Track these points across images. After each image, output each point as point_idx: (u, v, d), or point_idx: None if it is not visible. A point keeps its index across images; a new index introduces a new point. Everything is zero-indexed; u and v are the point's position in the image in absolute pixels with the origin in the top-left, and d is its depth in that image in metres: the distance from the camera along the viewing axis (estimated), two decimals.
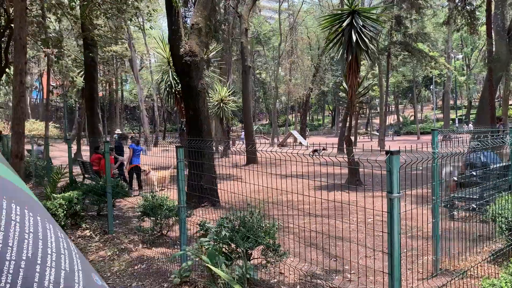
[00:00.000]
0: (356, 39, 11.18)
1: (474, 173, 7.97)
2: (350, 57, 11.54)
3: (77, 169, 13.85)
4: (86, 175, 12.47)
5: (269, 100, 63.16)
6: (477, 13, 15.85)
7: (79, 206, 7.37)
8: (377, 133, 43.65)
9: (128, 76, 61.15)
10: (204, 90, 9.25)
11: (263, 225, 4.74)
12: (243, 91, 18.70)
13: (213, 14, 13.42)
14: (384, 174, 4.38)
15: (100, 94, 63.21)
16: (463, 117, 49.33)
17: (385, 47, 24.81)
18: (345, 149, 15.50)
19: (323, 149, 22.06)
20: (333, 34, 11.98)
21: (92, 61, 17.56)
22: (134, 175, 12.37)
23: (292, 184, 10.12)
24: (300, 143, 32.69)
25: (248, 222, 4.55)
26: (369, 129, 58.86)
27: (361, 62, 30.96)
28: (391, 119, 61.79)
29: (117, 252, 6.02)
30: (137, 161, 12.05)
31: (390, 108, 72.29)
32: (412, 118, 54.86)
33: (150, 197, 6.67)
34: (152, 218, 6.47)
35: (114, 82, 51.52)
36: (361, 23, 11.24)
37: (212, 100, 24.22)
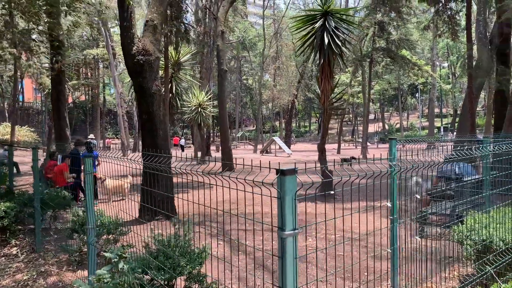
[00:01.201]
0: (328, 41, 10.55)
1: (446, 187, 7.34)
2: (322, 61, 10.91)
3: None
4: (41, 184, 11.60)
5: (256, 106, 62.57)
6: (458, 18, 15.38)
7: (6, 220, 6.55)
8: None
9: (112, 79, 60.21)
10: (159, 92, 8.50)
11: (189, 251, 4.00)
12: (219, 95, 17.98)
13: (179, 13, 12.70)
14: (364, 183, 3.69)
15: (82, 98, 62.24)
16: (449, 125, 49.19)
17: (367, 53, 24.32)
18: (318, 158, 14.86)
19: (352, 158, 21.43)
20: (306, 37, 11.35)
21: (58, 62, 16.71)
22: None
23: (262, 194, 9.37)
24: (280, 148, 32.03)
25: (168, 248, 3.81)
26: (355, 136, 58.55)
27: (347, 68, 30.43)
28: (377, 127, 61.55)
29: (35, 276, 5.23)
30: (94, 169, 11.21)
31: (377, 116, 72.22)
32: (398, 125, 54.64)
33: (80, 212, 5.89)
34: (81, 236, 5.69)
35: (96, 86, 50.51)
36: (333, 25, 10.62)
37: (190, 105, 23.50)
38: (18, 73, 20.82)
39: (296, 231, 1.64)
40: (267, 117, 70.55)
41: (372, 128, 64.96)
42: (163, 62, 16.98)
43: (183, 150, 42.22)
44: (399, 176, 4.32)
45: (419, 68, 24.43)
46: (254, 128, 72.13)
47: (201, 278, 3.83)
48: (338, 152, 33.97)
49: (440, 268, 5.21)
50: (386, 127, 58.39)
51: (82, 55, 43.58)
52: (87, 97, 59.54)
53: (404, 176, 4.64)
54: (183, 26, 13.68)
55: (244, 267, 5.59)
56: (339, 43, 10.65)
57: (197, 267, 3.94)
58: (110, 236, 5.77)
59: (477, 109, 53.51)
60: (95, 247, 3.93)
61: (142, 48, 8.20)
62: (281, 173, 1.61)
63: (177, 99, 17.88)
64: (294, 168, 1.63)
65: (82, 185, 11.66)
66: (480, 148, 5.35)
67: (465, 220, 4.91)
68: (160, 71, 17.61)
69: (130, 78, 9.18)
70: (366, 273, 5.52)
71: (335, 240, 6.59)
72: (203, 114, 22.77)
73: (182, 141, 45.38)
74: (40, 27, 17.79)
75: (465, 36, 13.21)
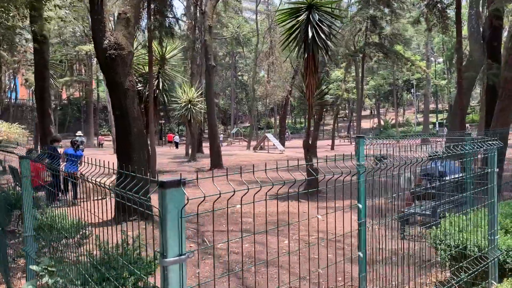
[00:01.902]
0: (313, 35, 10.22)
1: (429, 186, 7.04)
2: (307, 55, 10.59)
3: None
4: (16, 183, 11.25)
5: (251, 102, 62.22)
6: (449, 11, 15.07)
7: None
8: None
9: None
10: (133, 87, 8.18)
11: (137, 261, 3.69)
12: (207, 91, 17.65)
13: (163, 7, 12.36)
14: (349, 180, 3.37)
15: (77, 94, 61.68)
16: (444, 121, 48.95)
17: (360, 48, 24.00)
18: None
19: (383, 158, 21.09)
20: (290, 30, 11.02)
21: (42, 58, 16.33)
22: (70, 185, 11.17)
23: (246, 192, 9.05)
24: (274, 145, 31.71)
25: (111, 258, 3.50)
26: (350, 132, 58.26)
27: (332, 62, 30.07)
28: (372, 123, 61.29)
29: None
30: (74, 168, 10.80)
31: (373, 112, 71.97)
32: (394, 121, 54.39)
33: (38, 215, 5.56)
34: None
35: (89, 82, 50.06)
36: (317, 18, 10.29)
37: (180, 102, 23.15)
38: (5, 70, 20.40)
39: (183, 256, 1.33)
40: (262, 114, 70.14)
41: (367, 124, 64.72)
42: (147, 58, 16.64)
43: (177, 147, 41.87)
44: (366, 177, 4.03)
45: (412, 64, 24.12)
46: (250, 124, 71.83)
47: None
48: (332, 148, 33.67)
49: (416, 273, 4.92)
50: (382, 122, 58.12)
51: (75, 51, 43.19)
52: (81, 93, 59.02)
53: (391, 173, 4.33)
54: (167, 20, 13.32)
55: (215, 272, 5.30)
56: (324, 37, 10.33)
57: (144, 277, 3.63)
58: (70, 241, 5.45)
59: (473, 104, 53.39)
60: (33, 257, 3.62)
61: (114, 42, 7.87)
62: (160, 185, 1.30)
63: (164, 95, 17.51)
64: (179, 180, 1.32)
65: (61, 184, 11.30)
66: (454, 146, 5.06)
67: (442, 222, 4.62)
68: (145, 67, 17.31)
69: (102, 73, 8.85)
70: (340, 278, 5.23)
71: (309, 241, 6.30)
72: (193, 110, 22.42)
73: (176, 138, 45.01)
74: (22, 22, 17.42)
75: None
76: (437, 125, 45.24)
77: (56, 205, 10.67)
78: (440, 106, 59.41)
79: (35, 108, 59.60)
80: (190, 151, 25.10)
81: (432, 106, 56.99)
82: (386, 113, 70.12)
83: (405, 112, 65.61)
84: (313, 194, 11.12)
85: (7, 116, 50.00)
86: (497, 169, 3.36)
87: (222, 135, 54.05)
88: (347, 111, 68.77)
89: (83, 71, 53.41)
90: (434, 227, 4.52)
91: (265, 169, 2.25)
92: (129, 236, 4.15)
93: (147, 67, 17.74)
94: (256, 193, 2.19)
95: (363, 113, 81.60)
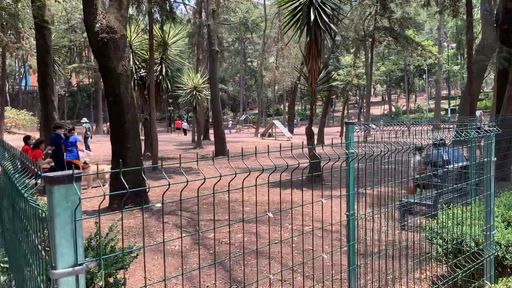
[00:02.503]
0: (315, 17, 9.85)
1: (432, 174, 6.73)
2: (309, 38, 10.23)
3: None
4: None
5: (261, 89, 61.69)
6: None
7: None
8: (370, 124, 42.35)
9: None
10: (126, 72, 7.93)
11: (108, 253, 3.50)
12: (210, 77, 17.36)
13: None
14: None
15: (87, 81, 61.74)
16: (457, 107, 48.06)
17: (369, 32, 23.41)
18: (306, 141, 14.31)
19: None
20: (292, 12, 10.64)
21: (45, 43, 16.13)
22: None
23: (248, 180, 8.81)
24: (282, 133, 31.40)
25: (87, 250, 3.28)
26: (361, 119, 57.58)
27: (335, 46, 29.40)
28: (383, 109, 60.51)
29: None
30: (70, 156, 10.65)
31: (385, 98, 71.01)
32: (405, 108, 53.57)
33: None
34: None
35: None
36: (320, 0, 9.91)
37: (185, 88, 22.90)
38: (13, 57, 20.29)
39: (79, 267, 1.08)
40: (271, 100, 69.55)
41: (378, 110, 63.89)
42: (148, 43, 16.36)
43: (185, 134, 41.71)
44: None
45: (422, 48, 23.47)
46: (258, 111, 71.20)
47: (118, 285, 3.32)
48: (341, 135, 33.25)
49: (412, 267, 4.66)
50: (393, 109, 57.32)
51: (83, 38, 42.99)
52: (90, 80, 58.96)
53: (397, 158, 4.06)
54: (167, 3, 13.00)
55: (204, 264, 5.09)
56: (326, 19, 9.94)
57: (114, 272, 3.44)
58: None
59: (487, 90, 52.24)
60: None
61: (107, 25, 7.61)
62: (49, 181, 1.05)
63: (168, 81, 17.27)
64: (71, 174, 1.07)
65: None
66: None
67: (439, 214, 4.33)
68: (148, 52, 17.02)
69: (95, 57, 8.61)
70: (334, 271, 4.99)
71: (302, 231, 6.04)
72: (199, 97, 22.16)
73: (185, 125, 44.85)
74: (25, 9, 17.24)
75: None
76: (449, 112, 44.44)
77: None
78: (452, 92, 58.35)
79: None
80: (196, 138, 24.94)
81: (444, 92, 55.98)
82: (398, 100, 69.15)
83: (417, 98, 64.61)
84: (316, 181, 10.86)
85: (17, 103, 50.34)
86: (495, 158, 3.06)
87: (231, 122, 53.81)
88: (358, 98, 67.93)
89: (92, 57, 53.26)
90: (430, 219, 4.24)
91: (255, 153, 2.07)
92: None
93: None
94: (245, 178, 2.11)
95: (374, 99, 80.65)
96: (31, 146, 10.60)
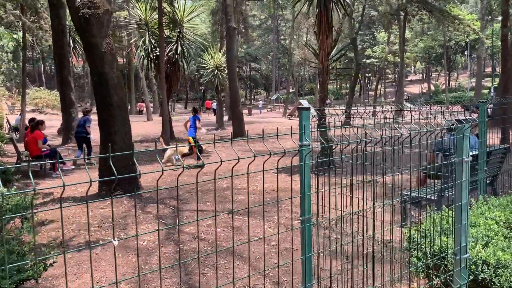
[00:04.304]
0: None
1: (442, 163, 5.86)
2: (318, 11, 9.36)
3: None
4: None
5: (293, 67, 60.33)
6: None
7: None
8: (406, 103, 40.58)
9: None
10: (111, 50, 7.41)
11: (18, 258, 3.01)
12: (227, 55, 16.67)
13: None
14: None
15: (121, 61, 62.36)
16: None
17: (401, 5, 21.90)
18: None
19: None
20: None
21: (60, 24, 15.92)
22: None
23: (256, 164, 8.20)
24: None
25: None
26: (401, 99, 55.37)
27: (348, 17, 27.78)
28: (422, 88, 57.94)
29: None
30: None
31: (424, 76, 68.02)
32: (444, 86, 50.95)
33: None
34: None
35: (130, 49, 50.16)
36: None
37: (207, 67, 22.39)
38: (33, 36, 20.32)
39: None
40: (305, 79, 67.99)
41: (417, 89, 61.24)
42: (165, 21, 15.82)
43: (215, 114, 41.31)
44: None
45: (460, 22, 21.76)
46: (293, 90, 69.85)
47: None
48: (373, 116, 31.97)
49: (389, 282, 3.92)
50: (432, 88, 54.71)
51: (113, 18, 43.11)
52: (124, 60, 59.47)
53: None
54: None
55: (167, 264, 4.56)
56: None
57: (24, 280, 2.95)
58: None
59: None
60: None
61: (88, 0, 7.08)
62: None
63: (184, 60, 16.75)
64: None
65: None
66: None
67: (425, 220, 3.56)
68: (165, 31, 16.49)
69: (78, 34, 8.14)
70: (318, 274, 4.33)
71: (292, 226, 5.42)
72: (220, 76, 21.60)
73: (214, 105, 44.48)
74: None
75: None
76: (492, 90, 41.81)
77: (56, 174, 10.26)
78: (498, 69, 54.92)
79: (81, 75, 61.01)
80: (225, 118, 24.49)
81: (489, 70, 52.74)
82: (438, 77, 66.00)
83: (459, 76, 61.39)
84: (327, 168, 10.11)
85: (53, 84, 51.48)
86: (468, 158, 2.29)
87: (261, 102, 53.06)
88: (395, 75, 65.34)
89: (125, 37, 53.47)
90: (409, 225, 3.49)
91: (262, 136, 2.00)
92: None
93: (168, 31, 17.00)
94: (251, 162, 1.94)
95: (414, 77, 77.45)
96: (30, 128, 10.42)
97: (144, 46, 16.62)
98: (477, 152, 4.86)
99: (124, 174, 7.60)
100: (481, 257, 2.71)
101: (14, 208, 5.12)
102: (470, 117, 2.20)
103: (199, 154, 10.69)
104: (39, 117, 30.06)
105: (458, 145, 2.21)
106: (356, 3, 24.14)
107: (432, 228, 3.13)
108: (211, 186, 8.29)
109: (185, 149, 11.08)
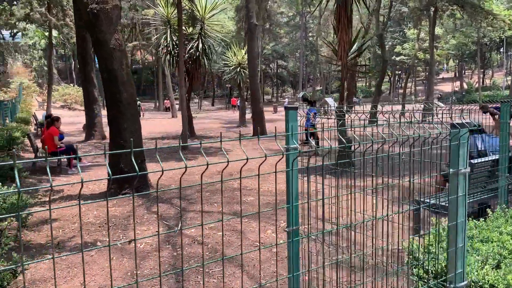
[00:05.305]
0: None
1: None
2: (337, 4, 8.98)
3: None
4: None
5: (320, 65, 59.47)
6: None
7: None
8: (437, 102, 39.37)
9: None
10: (120, 46, 7.28)
11: None
12: (248, 52, 16.42)
13: None
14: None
15: (150, 58, 63.11)
16: None
17: (431, 0, 21.10)
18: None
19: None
20: None
21: (81, 20, 16.00)
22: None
23: (271, 164, 7.97)
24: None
25: None
26: (432, 97, 53.80)
27: (369, 13, 26.91)
28: (454, 86, 56.15)
29: None
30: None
31: (458, 74, 65.91)
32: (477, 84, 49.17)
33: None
34: None
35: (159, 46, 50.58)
36: None
37: (230, 64, 22.24)
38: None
39: None
40: (332, 76, 67.00)
41: (449, 87, 59.36)
42: (185, 18, 15.71)
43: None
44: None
45: (494, 17, 20.79)
46: (320, 87, 68.86)
47: None
48: (402, 114, 31.10)
49: None
50: (465, 86, 52.91)
51: (142, 16, 43.50)
52: (153, 57, 60.00)
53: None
54: None
55: (160, 269, 4.37)
56: None
57: None
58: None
59: None
60: None
61: None
62: None
63: (205, 57, 16.61)
64: None
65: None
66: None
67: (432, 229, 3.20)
68: (188, 28, 16.39)
69: (87, 30, 8.04)
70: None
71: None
72: (243, 74, 21.39)
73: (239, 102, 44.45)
74: None
75: None
76: None
77: (72, 171, 10.25)
78: None
79: None
80: (248, 116, 24.30)
81: None
82: (472, 76, 63.80)
83: (494, 74, 59.15)
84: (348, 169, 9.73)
85: (51, 80, 52.40)
86: (466, 169, 1.96)
87: (287, 99, 52.60)
88: (426, 73, 63.54)
89: (154, 35, 53.91)
90: (414, 238, 3.14)
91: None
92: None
93: (190, 28, 16.91)
94: (260, 164, 1.88)
95: (446, 75, 75.13)
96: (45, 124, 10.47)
97: (166, 43, 16.57)
98: (497, 157, 4.44)
99: (133, 172, 7.46)
100: (488, 281, 2.36)
101: (10, 206, 5.05)
102: (469, 121, 1.87)
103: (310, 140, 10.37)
104: (67, 113, 30.70)
105: (453, 154, 1.88)
106: None
107: (436, 243, 2.79)
108: (223, 186, 8.07)
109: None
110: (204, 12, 16.12)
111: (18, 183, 1.34)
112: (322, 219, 3.26)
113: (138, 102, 25.36)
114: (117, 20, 7.26)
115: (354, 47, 10.37)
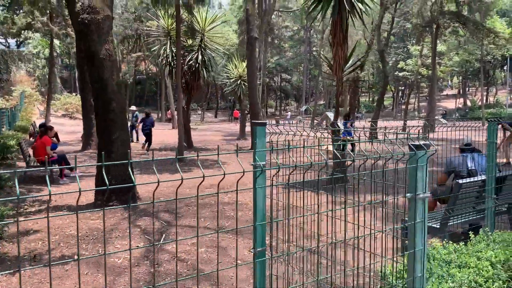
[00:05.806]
0: None
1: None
2: (332, 20, 8.94)
3: None
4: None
5: (323, 79, 59.45)
6: None
7: None
8: (440, 118, 39.27)
9: None
10: (110, 57, 7.23)
11: None
12: (248, 65, 16.41)
13: None
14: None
15: (154, 69, 63.45)
16: None
17: (433, 18, 21.12)
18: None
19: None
20: None
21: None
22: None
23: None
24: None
25: None
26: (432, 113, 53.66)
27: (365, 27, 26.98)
28: (458, 103, 56.02)
29: None
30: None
31: (461, 91, 65.81)
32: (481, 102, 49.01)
33: None
34: None
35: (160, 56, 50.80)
36: None
37: (230, 77, 22.25)
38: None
39: None
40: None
41: (452, 104, 59.20)
42: (185, 30, 15.75)
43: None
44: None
45: (495, 35, 20.76)
46: (323, 101, 68.83)
47: None
48: (403, 130, 30.99)
49: None
50: (468, 103, 52.79)
51: (146, 27, 43.80)
52: (156, 68, 60.25)
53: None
54: None
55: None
56: None
57: None
58: None
59: None
60: None
61: (88, 5, 6.96)
62: None
63: (204, 69, 16.60)
64: None
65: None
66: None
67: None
68: (188, 40, 16.43)
69: (79, 40, 8.01)
70: None
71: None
72: (243, 86, 21.38)
73: None
74: None
75: None
76: None
77: (63, 181, 10.15)
78: None
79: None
80: (247, 128, 24.25)
81: None
82: (476, 93, 63.67)
83: (498, 91, 58.99)
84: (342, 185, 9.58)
85: (51, 91, 52.63)
86: (426, 194, 1.84)
87: (289, 113, 52.58)
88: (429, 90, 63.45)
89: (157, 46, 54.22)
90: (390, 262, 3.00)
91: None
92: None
93: (190, 40, 16.94)
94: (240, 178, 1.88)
95: (450, 92, 75.00)
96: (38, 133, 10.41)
97: (165, 55, 16.59)
98: (484, 178, 4.31)
99: (121, 184, 7.37)
100: None
101: None
102: (427, 143, 1.75)
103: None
104: (68, 122, 30.73)
105: (411, 178, 1.77)
106: (387, 15, 23.49)
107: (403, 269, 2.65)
108: (212, 200, 7.95)
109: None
110: (204, 24, 16.15)
111: (18, 191, 1.50)
112: (287, 241, 3.14)
113: (136, 113, 25.39)
114: (108, 31, 7.22)
115: (350, 62, 10.29)
